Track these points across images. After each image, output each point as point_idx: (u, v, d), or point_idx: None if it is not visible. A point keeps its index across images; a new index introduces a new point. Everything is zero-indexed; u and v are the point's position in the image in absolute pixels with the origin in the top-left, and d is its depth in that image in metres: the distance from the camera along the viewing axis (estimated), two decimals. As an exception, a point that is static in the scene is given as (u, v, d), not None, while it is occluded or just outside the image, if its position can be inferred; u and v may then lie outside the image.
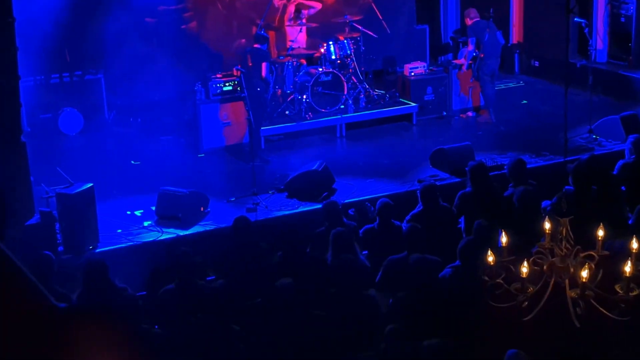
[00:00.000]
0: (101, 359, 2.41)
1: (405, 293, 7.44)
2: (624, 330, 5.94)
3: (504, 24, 15.86)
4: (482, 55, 14.19)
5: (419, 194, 9.40)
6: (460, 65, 14.92)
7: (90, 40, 14.37)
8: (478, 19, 14.25)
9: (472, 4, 16.76)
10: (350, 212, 10.26)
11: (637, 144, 10.34)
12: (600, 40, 15.85)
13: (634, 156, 10.12)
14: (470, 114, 14.95)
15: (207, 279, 8.39)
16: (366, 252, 8.73)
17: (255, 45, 12.92)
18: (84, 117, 14.01)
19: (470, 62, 14.40)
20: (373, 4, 15.65)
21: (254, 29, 14.63)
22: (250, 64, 12.65)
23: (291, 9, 14.97)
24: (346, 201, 10.64)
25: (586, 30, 14.35)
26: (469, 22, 14.33)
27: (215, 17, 15.99)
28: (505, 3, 17.18)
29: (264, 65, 12.67)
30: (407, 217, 9.09)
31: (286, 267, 8.08)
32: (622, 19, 15.62)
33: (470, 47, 14.38)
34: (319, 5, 15.13)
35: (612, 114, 13.06)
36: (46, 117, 13.83)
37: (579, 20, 14.39)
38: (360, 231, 8.94)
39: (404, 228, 8.49)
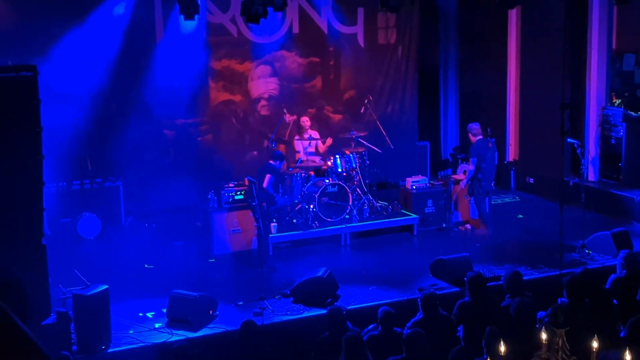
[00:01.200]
0: None
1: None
2: None
3: (500, 142, 16.00)
4: (479, 176, 14.12)
5: (419, 302, 9.35)
6: (459, 181, 14.97)
7: (111, 149, 14.57)
8: (481, 136, 14.21)
9: (472, 121, 17.01)
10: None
11: (628, 259, 10.33)
12: (591, 160, 15.97)
13: (625, 271, 10.10)
14: (468, 226, 14.95)
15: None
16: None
17: (270, 162, 13.09)
18: (101, 222, 14.04)
19: (468, 181, 14.39)
20: (377, 122, 15.85)
21: (266, 142, 14.81)
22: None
23: (304, 122, 15.15)
24: (350, 307, 10.57)
25: (578, 150, 14.48)
26: (472, 139, 14.25)
27: (229, 130, 16.22)
28: (502, 123, 17.40)
29: (267, 176, 12.81)
30: (408, 324, 9.01)
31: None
32: (613, 141, 15.78)
33: (472, 167, 14.24)
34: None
35: (604, 230, 13.06)
36: (66, 222, 13.85)
37: (572, 140, 14.53)
38: (364, 338, 8.84)
39: (404, 334, 8.41)
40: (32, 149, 9.57)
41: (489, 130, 14.45)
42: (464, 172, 14.86)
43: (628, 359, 5.45)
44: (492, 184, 14.48)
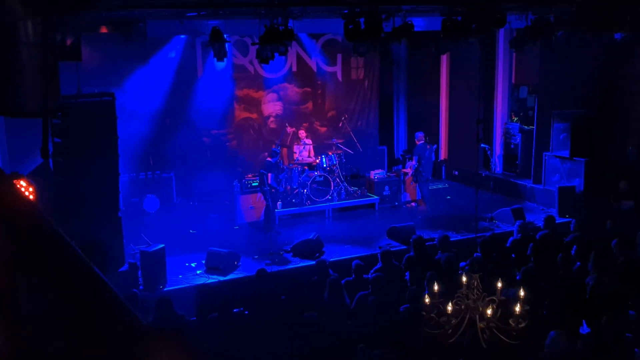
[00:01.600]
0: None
1: (370, 322, 7.37)
2: (515, 350, 5.86)
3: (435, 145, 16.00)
4: (420, 169, 14.24)
5: (379, 256, 9.39)
6: (406, 173, 15.02)
7: (167, 151, 14.53)
8: (422, 141, 14.33)
9: (416, 131, 17.03)
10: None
11: (521, 227, 10.41)
12: (497, 159, 16.01)
13: (520, 235, 10.16)
14: (413, 204, 14.96)
15: (237, 310, 8.28)
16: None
17: (268, 158, 12.91)
18: (160, 201, 14.01)
19: (412, 172, 14.45)
20: (351, 132, 15.85)
21: (273, 146, 14.80)
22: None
23: (301, 133, 15.11)
24: (331, 259, 10.59)
25: (489, 152, 14.54)
26: (417, 143, 14.40)
27: (248, 138, 16.17)
28: (436, 132, 17.42)
29: (269, 175, 12.59)
30: (371, 271, 9.04)
31: (291, 303, 7.99)
32: (512, 146, 15.81)
33: (414, 162, 14.43)
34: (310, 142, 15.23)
35: (505, 207, 13.11)
36: (135, 200, 13.83)
37: (484, 145, 14.57)
38: (342, 281, 8.86)
39: (370, 278, 8.45)
40: (111, 150, 9.62)
41: (427, 138, 14.45)
42: (410, 167, 14.88)
43: (522, 294, 5.50)
44: (430, 175, 14.53)
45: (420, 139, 14.39)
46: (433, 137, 15.19)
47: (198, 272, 10.61)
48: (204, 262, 10.81)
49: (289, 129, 15.52)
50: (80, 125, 9.30)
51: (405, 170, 15.44)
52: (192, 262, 11.00)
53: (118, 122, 9.73)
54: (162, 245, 10.06)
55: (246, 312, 8.18)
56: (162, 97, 14.35)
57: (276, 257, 11.13)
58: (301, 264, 10.90)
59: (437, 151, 15.26)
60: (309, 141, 15.19)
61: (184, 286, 10.01)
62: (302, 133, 15.13)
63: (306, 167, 14.49)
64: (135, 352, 2.25)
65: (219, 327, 7.46)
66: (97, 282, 2.21)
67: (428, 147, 14.27)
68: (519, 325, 5.31)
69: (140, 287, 9.69)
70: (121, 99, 10.63)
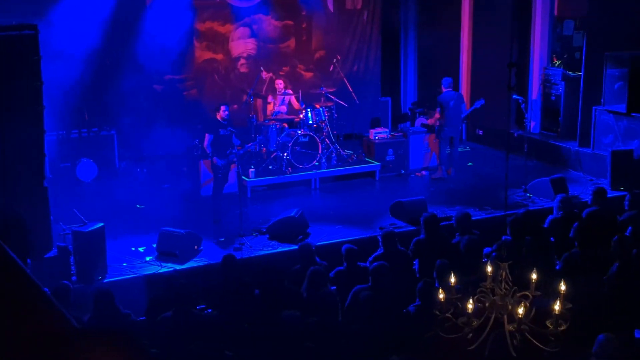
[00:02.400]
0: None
1: (367, 323, 7.41)
2: (553, 359, 5.91)
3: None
4: (443, 123, 14.39)
5: (380, 239, 9.41)
6: (428, 126, 15.17)
7: (106, 102, 14.43)
8: (450, 89, 14.49)
9: (428, 80, 16.95)
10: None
11: (564, 202, 10.44)
12: (534, 115, 16.02)
13: (561, 212, 10.20)
14: (424, 172, 15.00)
15: (197, 307, 8.29)
16: (334, 287, 8.69)
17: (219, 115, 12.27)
18: (98, 167, 13.96)
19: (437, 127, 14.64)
20: (345, 79, 15.79)
21: (244, 97, 14.72)
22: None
23: (278, 84, 15.01)
24: (319, 243, 10.62)
25: (522, 105, 14.53)
26: (443, 90, 14.51)
27: (212, 86, 16.11)
28: (455, 79, 17.36)
29: (206, 136, 12.24)
30: (370, 259, 9.06)
31: (267, 299, 8.01)
32: (553, 98, 15.82)
33: (437, 115, 14.60)
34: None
35: (544, 177, 13.16)
36: (65, 166, 13.76)
37: (517, 97, 14.56)
38: (331, 274, 8.88)
39: (369, 267, 8.46)
40: (34, 100, 9.49)
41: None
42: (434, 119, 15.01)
43: (563, 289, 5.52)
44: (457, 132, 14.63)
45: (449, 85, 14.47)
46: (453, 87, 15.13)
47: (147, 258, 10.60)
48: (155, 245, 10.80)
49: (265, 75, 15.45)
50: (-8, 67, 9.18)
51: (430, 121, 15.42)
52: (140, 247, 10.99)
53: (43, 65, 9.59)
54: (101, 225, 10.03)
55: (209, 311, 8.18)
56: (99, 31, 14.17)
57: (248, 239, 11.14)
58: (280, 249, 10.92)
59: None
60: (290, 91, 15.11)
61: (130, 277, 10.00)
62: (279, 83, 15.02)
63: (285, 125, 14.45)
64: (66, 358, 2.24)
65: (174, 329, 7.47)
66: (14, 274, 2.18)
67: (456, 95, 14.39)
68: (559, 328, 5.35)
69: (73, 278, 9.68)
70: (45, 34, 10.45)
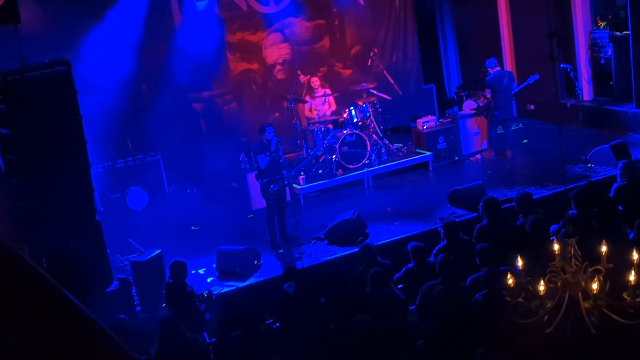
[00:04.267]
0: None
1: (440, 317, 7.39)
2: (636, 333, 5.84)
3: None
4: (494, 105, 14.34)
5: (441, 231, 9.38)
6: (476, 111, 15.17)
7: (148, 127, 14.64)
8: (498, 68, 14.52)
9: (470, 61, 16.81)
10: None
11: (626, 168, 10.28)
12: (585, 82, 15.80)
13: (626, 180, 10.04)
14: (478, 156, 14.91)
15: (266, 322, 8.36)
16: (401, 285, 8.68)
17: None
18: (148, 194, 14.15)
19: (485, 108, 14.62)
20: (384, 71, 15.76)
21: (285, 103, 14.78)
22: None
23: (313, 82, 15.08)
24: (379, 243, 10.62)
25: (572, 74, 14.34)
26: (490, 71, 14.46)
27: (251, 96, 16.22)
28: (498, 56, 17.19)
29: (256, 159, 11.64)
30: (434, 252, 9.03)
31: (334, 306, 8.04)
32: (602, 61, 15.58)
33: (489, 96, 14.58)
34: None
35: (603, 144, 12.96)
36: (116, 197, 13.97)
37: (565, 65, 14.38)
38: (400, 272, 8.87)
39: (436, 261, 8.42)
40: (75, 135, 9.63)
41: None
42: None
43: (636, 258, 5.44)
44: (508, 114, 14.59)
45: (495, 65, 14.39)
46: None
47: (209, 279, 10.71)
48: (214, 266, 10.91)
49: (303, 78, 15.48)
50: (31, 108, 9.32)
51: (465, 111, 15.38)
52: (200, 268, 11.10)
53: (80, 98, 9.74)
54: (159, 251, 10.16)
55: (277, 325, 8.24)
56: (131, 58, 14.36)
57: (307, 247, 11.18)
58: (341, 253, 10.94)
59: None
60: (328, 91, 15.13)
61: (193, 300, 10.11)
62: (315, 81, 15.10)
63: (330, 126, 14.48)
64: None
65: (244, 347, 7.54)
66: (71, 315, 2.24)
67: (506, 74, 14.32)
68: (638, 299, 5.28)
69: (137, 309, 9.82)
70: (79, 68, 10.69)
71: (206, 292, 9.92)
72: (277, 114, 15.77)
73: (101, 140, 13.03)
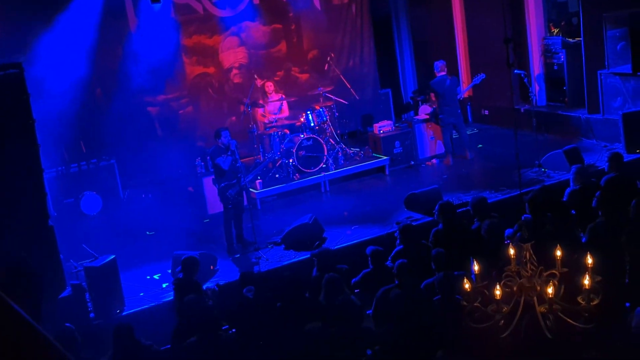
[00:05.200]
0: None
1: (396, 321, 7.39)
2: (590, 336, 5.89)
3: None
4: (439, 110, 14.42)
5: (398, 235, 9.38)
6: (424, 120, 15.19)
7: (102, 131, 14.46)
8: (444, 73, 14.55)
9: (426, 66, 16.91)
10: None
11: (579, 172, 10.41)
12: (538, 87, 15.98)
13: (579, 184, 10.15)
14: (434, 161, 14.98)
15: (222, 328, 8.29)
16: (357, 290, 8.67)
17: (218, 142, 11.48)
18: (102, 199, 13.99)
19: (431, 115, 14.66)
20: (341, 76, 15.79)
21: (242, 107, 14.71)
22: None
23: (268, 87, 15.04)
24: (337, 246, 10.60)
25: (525, 79, 14.46)
26: (437, 74, 14.53)
27: (207, 100, 16.13)
28: (453, 62, 17.32)
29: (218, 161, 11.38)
30: (390, 256, 9.04)
31: (288, 312, 7.99)
32: (555, 67, 15.77)
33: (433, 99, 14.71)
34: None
35: (556, 149, 13.10)
36: (69, 202, 13.79)
37: (519, 71, 14.51)
38: (357, 277, 8.85)
39: (394, 264, 8.42)
40: (27, 139, 9.47)
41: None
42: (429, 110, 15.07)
43: (590, 261, 5.49)
44: (456, 116, 14.62)
45: (441, 69, 14.45)
46: (449, 69, 15.09)
47: (164, 285, 10.60)
48: (169, 271, 10.80)
49: (259, 82, 15.45)
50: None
51: (420, 116, 15.45)
52: (155, 274, 10.99)
53: (32, 102, 9.59)
54: (113, 257, 10.03)
55: (233, 331, 8.17)
56: (85, 61, 14.21)
57: (264, 252, 11.12)
58: (298, 258, 10.89)
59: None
60: (281, 95, 15.07)
61: (148, 306, 10.00)
62: (269, 86, 15.04)
63: (287, 130, 14.44)
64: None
65: (200, 353, 7.46)
66: (13, 324, 2.17)
67: (449, 77, 14.38)
68: (592, 303, 5.32)
69: (91, 315, 9.68)
70: (31, 74, 10.51)
71: (214, 286, 9.83)
72: (234, 118, 15.71)
73: (54, 144, 12.85)
